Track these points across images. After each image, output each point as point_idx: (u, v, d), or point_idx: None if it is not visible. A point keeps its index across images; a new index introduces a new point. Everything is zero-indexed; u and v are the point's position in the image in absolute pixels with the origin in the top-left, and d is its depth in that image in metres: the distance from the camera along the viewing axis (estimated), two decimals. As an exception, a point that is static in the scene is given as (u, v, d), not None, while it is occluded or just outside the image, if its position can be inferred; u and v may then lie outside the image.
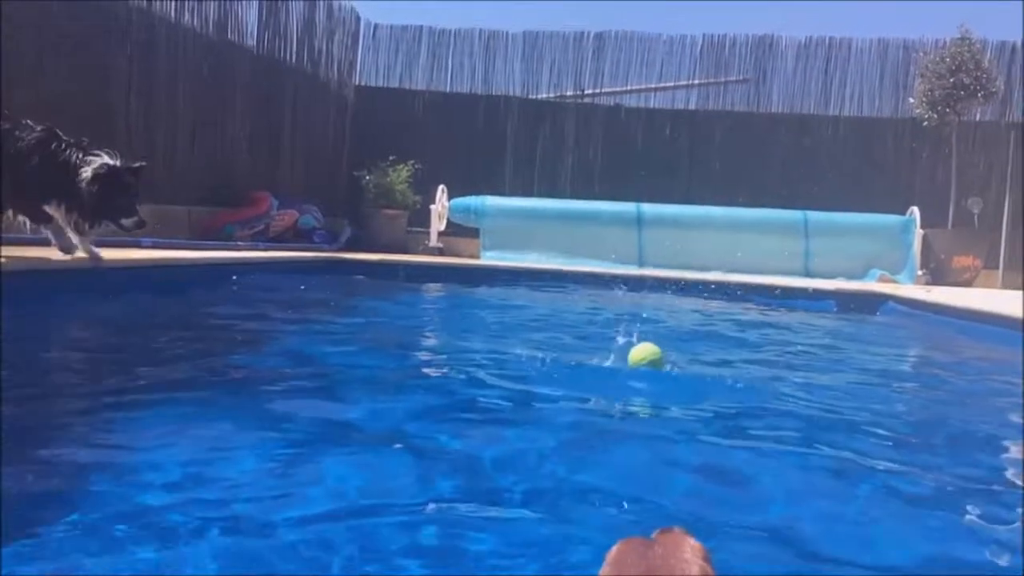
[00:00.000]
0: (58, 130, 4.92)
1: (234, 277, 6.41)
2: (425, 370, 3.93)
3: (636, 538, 0.99)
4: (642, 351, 3.38)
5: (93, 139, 5.10)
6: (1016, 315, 5.68)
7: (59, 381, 3.16)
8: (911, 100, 11.27)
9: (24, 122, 4.86)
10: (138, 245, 6.48)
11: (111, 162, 4.88)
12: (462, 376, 3.59)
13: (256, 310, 5.53)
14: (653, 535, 0.99)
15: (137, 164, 5.09)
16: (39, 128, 4.85)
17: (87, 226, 4.99)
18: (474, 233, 11.03)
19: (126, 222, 5.02)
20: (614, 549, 0.98)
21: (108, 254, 5.43)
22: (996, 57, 11.61)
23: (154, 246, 6.76)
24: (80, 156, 4.85)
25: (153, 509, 1.77)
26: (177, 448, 2.21)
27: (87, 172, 4.79)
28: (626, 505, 1.95)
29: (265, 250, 8.59)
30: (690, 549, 0.96)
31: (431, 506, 1.90)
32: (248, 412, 2.67)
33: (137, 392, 2.91)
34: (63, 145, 4.87)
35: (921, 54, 11.36)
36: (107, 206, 4.90)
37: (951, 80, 10.41)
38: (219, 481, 1.99)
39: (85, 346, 4.04)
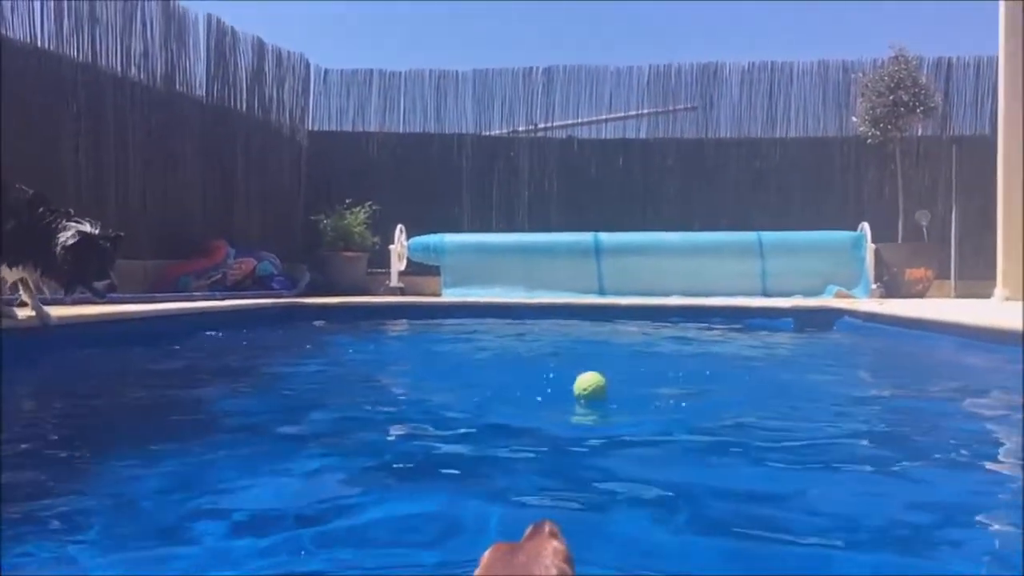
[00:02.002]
0: (46, 195, 5.01)
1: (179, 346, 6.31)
2: (380, 410, 3.91)
3: (504, 543, 1.08)
4: (587, 380, 3.42)
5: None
6: (967, 323, 5.82)
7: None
8: (854, 119, 11.56)
9: (17, 186, 4.93)
10: (92, 301, 6.38)
11: (89, 231, 4.93)
12: (415, 416, 3.57)
13: (209, 360, 5.47)
14: (525, 531, 1.05)
15: (115, 234, 5.15)
16: (30, 192, 4.92)
17: (63, 292, 5.05)
18: (435, 271, 11.05)
19: (98, 285, 5.06)
20: (486, 554, 1.05)
21: (59, 311, 5.36)
22: (933, 73, 11.99)
23: (109, 301, 6.65)
24: (62, 223, 4.89)
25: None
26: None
27: (63, 239, 4.83)
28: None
29: (223, 299, 8.51)
30: (552, 552, 1.03)
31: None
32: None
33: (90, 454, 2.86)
34: (49, 210, 4.92)
35: (860, 74, 11.68)
36: (81, 273, 4.95)
37: (891, 98, 10.72)
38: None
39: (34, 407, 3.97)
